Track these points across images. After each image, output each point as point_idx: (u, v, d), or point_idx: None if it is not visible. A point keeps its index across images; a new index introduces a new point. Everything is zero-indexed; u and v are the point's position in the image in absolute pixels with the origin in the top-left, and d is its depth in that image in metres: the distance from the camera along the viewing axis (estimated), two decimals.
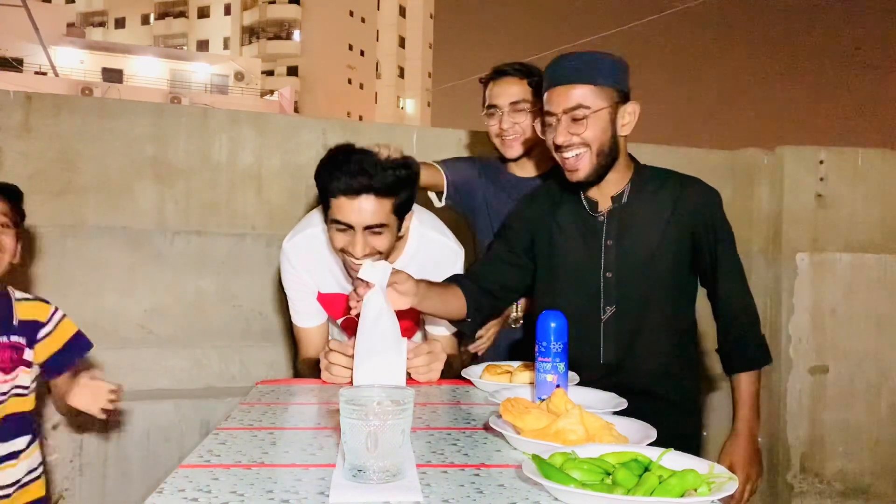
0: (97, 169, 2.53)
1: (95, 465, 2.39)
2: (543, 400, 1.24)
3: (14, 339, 1.79)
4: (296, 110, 32.98)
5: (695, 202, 1.63)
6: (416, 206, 1.77)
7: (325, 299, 1.88)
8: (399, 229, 1.68)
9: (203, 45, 41.96)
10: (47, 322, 1.86)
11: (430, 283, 1.63)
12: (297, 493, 0.91)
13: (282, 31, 41.12)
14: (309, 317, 1.91)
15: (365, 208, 1.58)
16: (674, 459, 0.95)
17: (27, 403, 1.81)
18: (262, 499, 0.88)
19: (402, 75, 49.48)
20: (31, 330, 1.83)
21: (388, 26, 48.25)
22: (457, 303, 1.69)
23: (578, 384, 1.52)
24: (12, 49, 27.42)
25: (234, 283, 2.63)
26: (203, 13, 43.20)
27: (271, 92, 35.55)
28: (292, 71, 40.91)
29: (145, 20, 44.15)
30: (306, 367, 1.87)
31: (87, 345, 1.93)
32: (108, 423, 2.33)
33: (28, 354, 1.81)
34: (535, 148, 2.01)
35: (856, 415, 2.96)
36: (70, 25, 34.37)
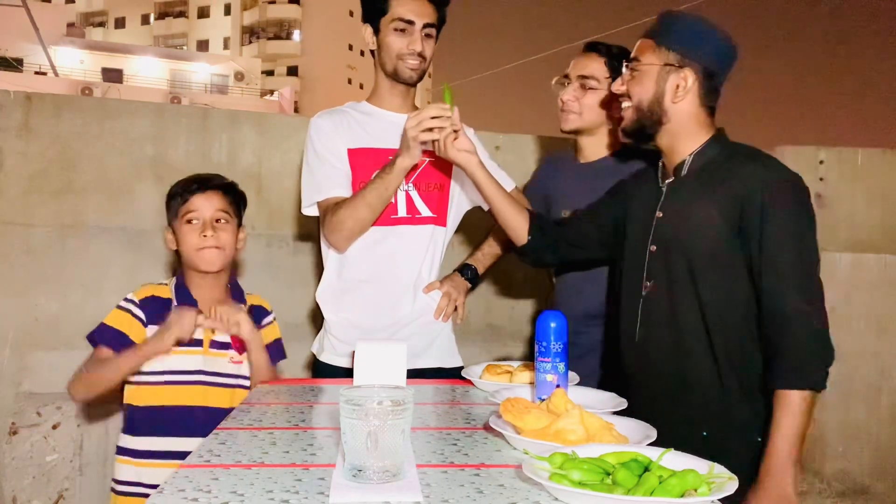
0: (97, 169, 2.53)
1: (95, 465, 2.39)
2: (543, 400, 1.24)
3: None
4: (296, 110, 32.95)
5: (747, 179, 1.45)
6: None
7: (356, 155, 1.89)
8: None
9: (203, 45, 41.92)
10: (270, 312, 1.93)
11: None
12: (297, 493, 0.91)
13: (282, 31, 41.09)
14: (340, 185, 1.88)
15: (428, 3, 1.86)
16: (674, 459, 0.95)
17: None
18: (262, 499, 0.88)
19: None
20: (258, 316, 1.87)
21: None
22: (521, 210, 1.77)
23: (578, 384, 1.52)
24: (12, 49, 27.42)
25: None
26: (203, 13, 43.15)
27: (271, 92, 35.53)
28: (292, 71, 40.87)
29: (145, 20, 44.11)
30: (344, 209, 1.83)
31: (283, 353, 1.94)
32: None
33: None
34: (598, 130, 2.00)
35: (856, 415, 2.96)
36: (70, 25, 34.37)
